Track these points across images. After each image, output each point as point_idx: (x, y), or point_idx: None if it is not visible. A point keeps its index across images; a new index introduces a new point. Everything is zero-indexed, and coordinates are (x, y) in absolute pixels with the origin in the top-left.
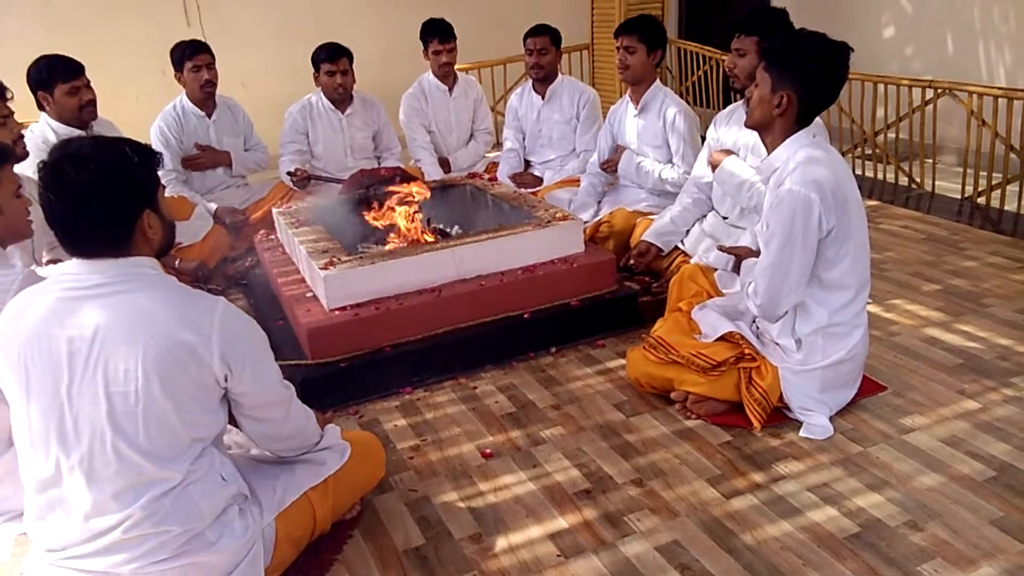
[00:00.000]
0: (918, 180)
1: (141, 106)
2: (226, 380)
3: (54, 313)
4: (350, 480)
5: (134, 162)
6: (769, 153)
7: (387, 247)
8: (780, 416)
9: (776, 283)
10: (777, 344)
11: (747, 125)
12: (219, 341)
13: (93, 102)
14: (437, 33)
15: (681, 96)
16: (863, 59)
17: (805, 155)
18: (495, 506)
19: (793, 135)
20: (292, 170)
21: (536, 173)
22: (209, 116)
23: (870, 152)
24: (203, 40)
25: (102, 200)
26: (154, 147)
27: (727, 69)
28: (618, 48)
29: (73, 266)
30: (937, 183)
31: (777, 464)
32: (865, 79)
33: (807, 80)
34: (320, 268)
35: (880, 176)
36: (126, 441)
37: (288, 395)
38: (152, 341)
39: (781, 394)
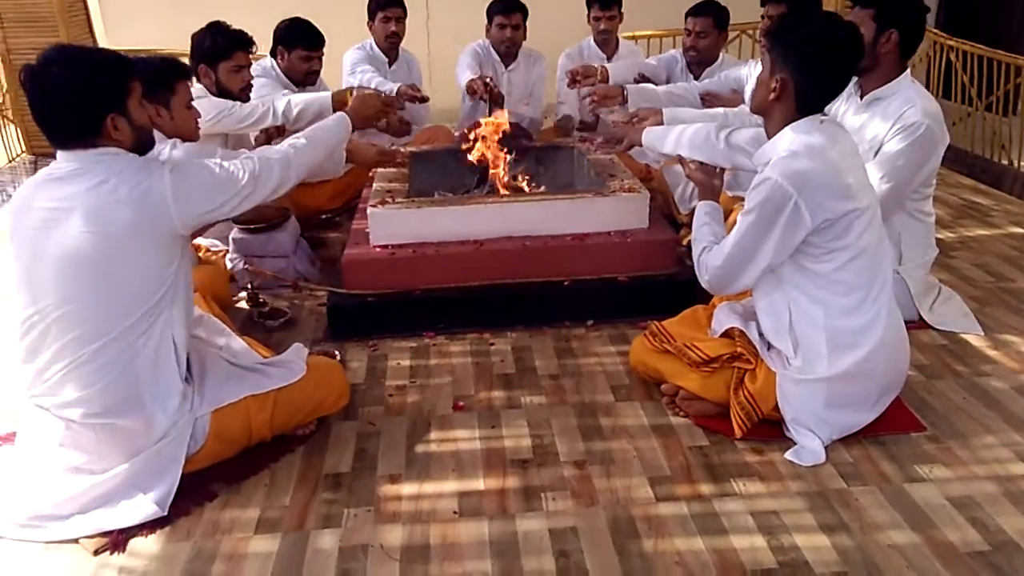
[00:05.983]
0: None
1: None
2: (188, 220)
3: (38, 189)
4: (295, 399)
5: (98, 70)
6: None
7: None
8: (778, 433)
9: (736, 259)
10: (780, 350)
11: (750, 108)
12: (172, 194)
13: (317, 73)
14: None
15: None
16: None
17: (798, 144)
18: (431, 455)
19: (791, 124)
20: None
21: None
22: (389, 65)
23: None
24: None
25: (63, 100)
26: (344, 74)
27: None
28: (687, 31)
29: (59, 155)
30: None
31: (737, 480)
32: None
33: (805, 64)
34: (371, 206)
35: None
36: (78, 298)
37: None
38: (106, 208)
39: (777, 405)
